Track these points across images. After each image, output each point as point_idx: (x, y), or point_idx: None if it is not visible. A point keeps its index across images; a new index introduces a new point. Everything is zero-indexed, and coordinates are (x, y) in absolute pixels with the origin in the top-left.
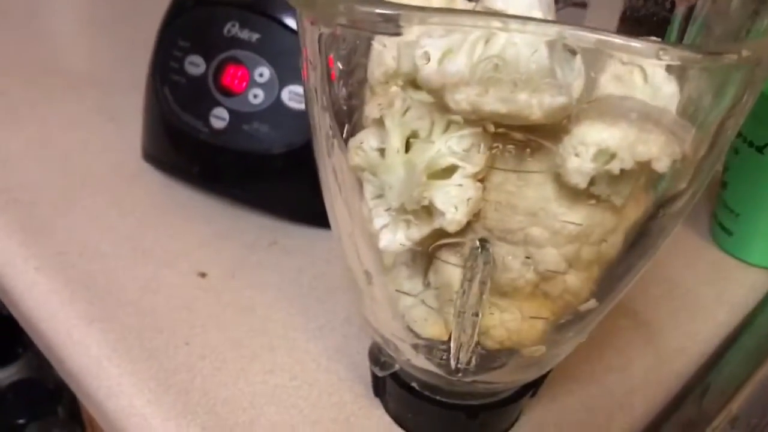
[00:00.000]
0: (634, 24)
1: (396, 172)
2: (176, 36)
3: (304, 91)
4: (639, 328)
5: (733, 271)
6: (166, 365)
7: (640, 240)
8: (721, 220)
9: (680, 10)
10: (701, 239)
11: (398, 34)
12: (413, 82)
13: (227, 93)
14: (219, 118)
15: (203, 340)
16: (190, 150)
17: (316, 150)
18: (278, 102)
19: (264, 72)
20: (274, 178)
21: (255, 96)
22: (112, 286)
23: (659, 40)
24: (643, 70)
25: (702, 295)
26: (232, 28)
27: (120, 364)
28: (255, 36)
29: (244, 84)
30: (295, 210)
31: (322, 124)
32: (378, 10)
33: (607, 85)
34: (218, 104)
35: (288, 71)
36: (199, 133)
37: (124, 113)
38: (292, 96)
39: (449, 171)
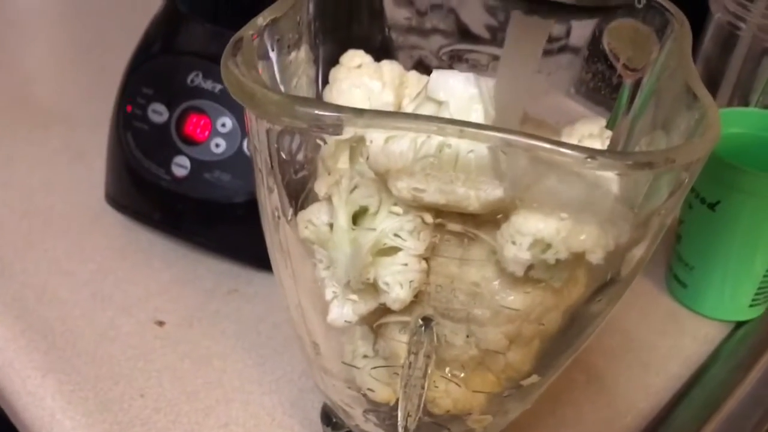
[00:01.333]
0: (590, 88)
1: (343, 249)
2: (140, 83)
3: (253, 172)
4: (592, 382)
5: (687, 322)
6: (120, 418)
7: (577, 322)
8: (676, 272)
9: (628, 83)
10: (657, 289)
11: (339, 134)
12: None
13: (189, 141)
14: (181, 166)
15: (159, 392)
16: (152, 196)
17: (263, 225)
18: (240, 152)
19: (226, 122)
20: (236, 225)
21: (217, 145)
22: (69, 334)
23: (586, 147)
24: None
25: (656, 347)
26: (196, 78)
27: (74, 416)
28: (218, 87)
29: (207, 133)
30: (256, 256)
31: (268, 203)
32: (320, 113)
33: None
34: (180, 152)
35: None
36: (160, 180)
37: (90, 151)
38: None
39: (396, 249)
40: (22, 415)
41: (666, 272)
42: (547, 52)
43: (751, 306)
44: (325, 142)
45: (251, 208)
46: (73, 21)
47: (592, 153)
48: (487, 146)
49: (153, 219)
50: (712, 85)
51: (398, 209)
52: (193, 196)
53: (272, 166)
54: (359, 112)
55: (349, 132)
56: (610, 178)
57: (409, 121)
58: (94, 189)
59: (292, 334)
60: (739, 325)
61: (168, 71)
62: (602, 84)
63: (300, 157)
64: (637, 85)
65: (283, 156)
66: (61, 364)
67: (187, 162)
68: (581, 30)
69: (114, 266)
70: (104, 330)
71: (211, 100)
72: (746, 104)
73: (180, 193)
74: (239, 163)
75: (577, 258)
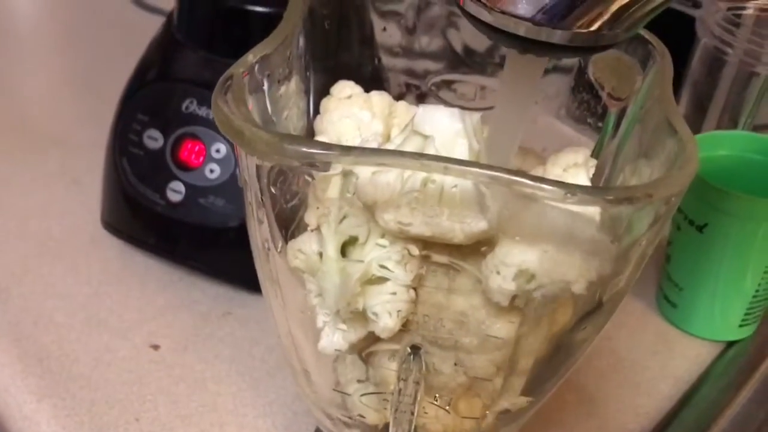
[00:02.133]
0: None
1: (332, 279)
2: (136, 109)
3: (244, 204)
4: (583, 403)
5: (677, 342)
6: None
7: (563, 349)
8: (666, 293)
9: (614, 111)
10: (648, 309)
11: (327, 170)
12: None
13: (184, 167)
14: (176, 192)
15: (153, 416)
16: (147, 221)
17: (254, 255)
18: (234, 177)
19: (220, 148)
20: (230, 249)
21: (211, 171)
22: (65, 358)
23: (566, 183)
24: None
25: (647, 368)
26: (191, 105)
27: None
28: (212, 113)
29: (201, 159)
30: (251, 280)
31: (258, 234)
32: (309, 150)
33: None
34: (175, 178)
35: None
36: (155, 206)
37: (87, 174)
38: None
39: (384, 279)
40: None
41: (656, 292)
42: None
43: (741, 326)
44: (314, 178)
45: (245, 233)
46: (71, 46)
47: (572, 189)
48: (471, 181)
49: (148, 243)
50: (701, 107)
51: (385, 241)
52: (188, 221)
53: (262, 200)
54: (347, 149)
55: (337, 168)
56: (591, 211)
57: (395, 158)
58: (90, 213)
59: (288, 369)
60: (730, 345)
61: (163, 98)
62: (588, 113)
63: (290, 188)
64: (622, 113)
65: (273, 191)
66: (56, 388)
67: (182, 187)
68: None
69: (110, 290)
70: (100, 354)
71: (206, 126)
72: (735, 126)
73: (175, 218)
74: (233, 188)
75: (561, 288)
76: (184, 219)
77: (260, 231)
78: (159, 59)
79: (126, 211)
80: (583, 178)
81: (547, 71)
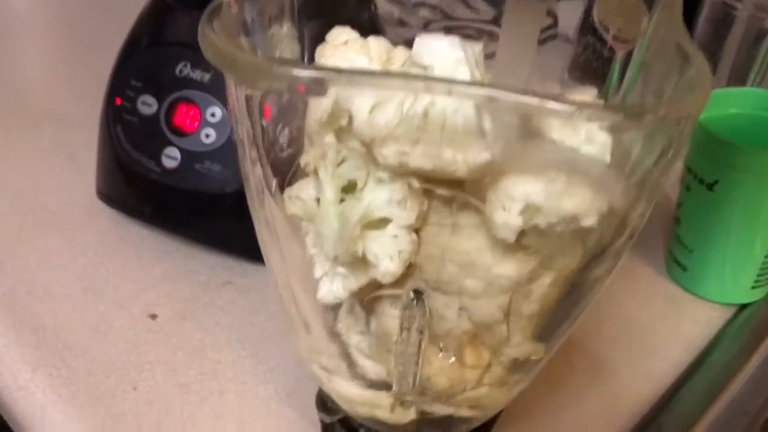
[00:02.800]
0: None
1: (330, 224)
2: (129, 76)
3: (236, 144)
4: (593, 366)
5: (687, 306)
6: (113, 411)
7: (574, 290)
8: (675, 256)
9: (620, 55)
10: (657, 274)
11: (323, 95)
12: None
13: (179, 133)
14: (171, 158)
15: (152, 384)
16: (143, 189)
17: (248, 201)
18: (230, 141)
19: (216, 112)
20: (228, 216)
21: (207, 135)
22: (60, 328)
23: (577, 101)
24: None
25: (657, 332)
26: (184, 68)
27: (65, 410)
28: (207, 76)
29: (196, 124)
30: (250, 248)
31: (252, 176)
32: (303, 74)
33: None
34: (170, 144)
35: None
36: (151, 173)
37: (81, 149)
38: None
39: (384, 221)
40: (13, 409)
41: (665, 256)
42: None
43: (753, 288)
44: (307, 106)
45: (243, 199)
46: (64, 21)
47: (581, 105)
48: (474, 105)
49: (144, 213)
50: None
51: (385, 178)
52: (184, 188)
53: (254, 136)
54: (339, 70)
55: (331, 94)
56: (601, 142)
57: (395, 79)
58: (85, 187)
59: (287, 323)
60: (742, 308)
61: (156, 62)
62: (593, 58)
63: (285, 134)
64: (627, 59)
65: (264, 125)
66: (52, 358)
67: (177, 153)
68: (569, 17)
69: (106, 261)
70: (96, 324)
71: (200, 90)
72: (743, 85)
73: (170, 185)
74: (230, 153)
75: (569, 223)
76: (179, 186)
77: (254, 172)
78: (151, 24)
79: (121, 180)
80: None
81: (551, 37)
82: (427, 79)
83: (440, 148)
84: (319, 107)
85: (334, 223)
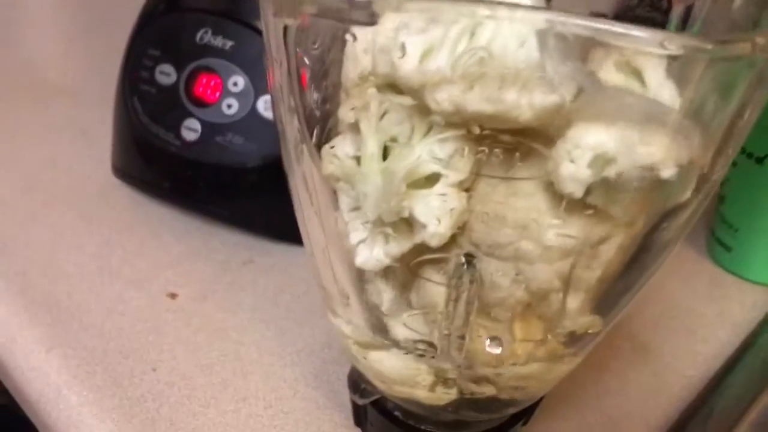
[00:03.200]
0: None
1: (372, 181)
2: (146, 44)
3: (270, 92)
4: (636, 350)
5: (732, 288)
6: (131, 393)
7: (640, 255)
8: (719, 236)
9: (677, 12)
10: (698, 256)
11: (372, 23)
12: (391, 85)
13: (199, 103)
14: (191, 130)
15: (171, 365)
16: (161, 164)
17: (284, 157)
18: (253, 112)
19: (238, 81)
20: (250, 192)
21: (229, 106)
22: (75, 308)
23: (662, 31)
24: (639, 73)
25: (701, 315)
26: (205, 35)
27: (80, 391)
28: (229, 43)
29: (218, 94)
30: (273, 226)
31: (290, 128)
32: None
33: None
34: (190, 115)
35: (263, 80)
36: (169, 146)
37: (95, 126)
38: (268, 106)
39: (431, 180)
40: (26, 390)
41: (707, 237)
42: None
43: None
44: (355, 39)
45: (266, 174)
46: None
47: (668, 36)
48: (542, 39)
49: (162, 188)
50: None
51: (440, 120)
52: (205, 161)
53: (291, 78)
54: None
55: (384, 22)
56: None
57: (453, 3)
58: (100, 164)
59: (313, 305)
60: None
61: (175, 30)
62: (650, 9)
63: (326, 82)
64: (686, 15)
65: (307, 61)
66: (66, 338)
67: (197, 125)
68: None
69: (122, 240)
70: (113, 304)
71: (222, 58)
72: None
73: (190, 159)
74: (253, 125)
75: (645, 174)
76: (200, 159)
77: (291, 123)
78: None
79: (138, 155)
80: (658, 75)
81: None
82: (488, 3)
83: (501, 89)
84: (360, 58)
85: (377, 180)
